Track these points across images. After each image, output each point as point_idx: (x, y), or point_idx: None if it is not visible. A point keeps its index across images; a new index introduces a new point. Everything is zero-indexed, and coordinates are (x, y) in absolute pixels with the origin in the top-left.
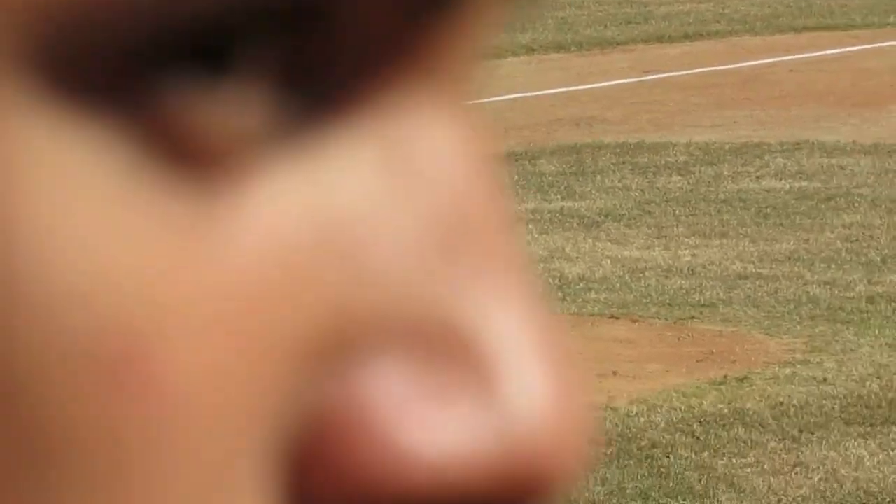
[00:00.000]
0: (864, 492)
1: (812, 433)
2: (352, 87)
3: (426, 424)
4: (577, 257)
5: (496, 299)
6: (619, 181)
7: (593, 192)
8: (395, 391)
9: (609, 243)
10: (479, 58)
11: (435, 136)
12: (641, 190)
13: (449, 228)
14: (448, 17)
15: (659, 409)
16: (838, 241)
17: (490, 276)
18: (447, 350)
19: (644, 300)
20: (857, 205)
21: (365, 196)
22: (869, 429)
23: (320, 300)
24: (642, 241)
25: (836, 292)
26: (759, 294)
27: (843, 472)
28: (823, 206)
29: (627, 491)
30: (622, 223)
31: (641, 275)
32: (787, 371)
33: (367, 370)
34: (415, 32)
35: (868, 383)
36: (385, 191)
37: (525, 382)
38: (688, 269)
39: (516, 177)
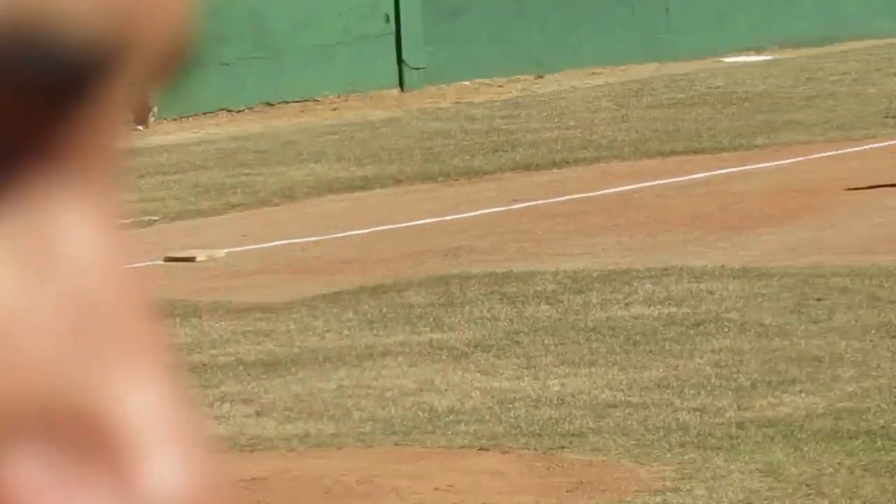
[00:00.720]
0: None
1: None
2: None
3: None
4: (447, 389)
5: (132, 384)
6: (488, 311)
7: (462, 322)
8: (31, 479)
9: (478, 374)
10: (121, 148)
11: (73, 225)
12: (510, 320)
13: (86, 316)
14: (83, 109)
15: None
16: (708, 367)
17: (127, 361)
18: (84, 436)
19: (513, 431)
20: (726, 330)
21: None
22: None
23: None
24: (511, 371)
25: (706, 418)
26: (629, 422)
27: None
28: (693, 331)
29: None
30: (491, 353)
31: (511, 405)
32: (658, 499)
33: (1, 459)
34: (47, 124)
35: None
36: (19, 281)
37: (160, 464)
38: (557, 398)
39: (384, 309)
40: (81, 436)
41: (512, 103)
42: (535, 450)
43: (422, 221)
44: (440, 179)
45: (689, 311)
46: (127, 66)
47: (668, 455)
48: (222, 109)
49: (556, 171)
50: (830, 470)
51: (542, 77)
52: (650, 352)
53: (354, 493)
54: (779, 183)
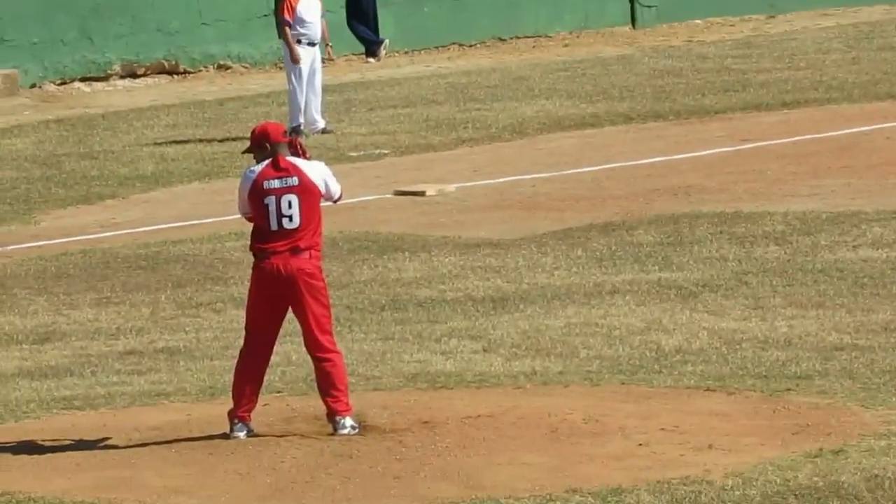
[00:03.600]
0: None
1: None
2: None
3: None
4: (674, 329)
5: None
6: (717, 251)
7: (690, 262)
8: None
9: (706, 314)
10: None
11: None
12: (738, 260)
13: None
14: None
15: (754, 483)
16: None
17: None
18: None
19: (740, 372)
20: None
21: None
22: None
23: None
24: (739, 312)
25: None
26: (856, 366)
27: None
28: None
29: None
30: (719, 294)
31: (738, 346)
32: (883, 443)
33: None
34: None
35: None
36: None
37: None
38: (784, 340)
39: (613, 247)
40: None
41: (743, 43)
42: (762, 391)
43: (651, 160)
44: (670, 118)
45: None
46: None
47: (895, 399)
48: (454, 43)
49: (786, 111)
50: None
51: (773, 17)
52: (877, 295)
53: (581, 431)
54: None
